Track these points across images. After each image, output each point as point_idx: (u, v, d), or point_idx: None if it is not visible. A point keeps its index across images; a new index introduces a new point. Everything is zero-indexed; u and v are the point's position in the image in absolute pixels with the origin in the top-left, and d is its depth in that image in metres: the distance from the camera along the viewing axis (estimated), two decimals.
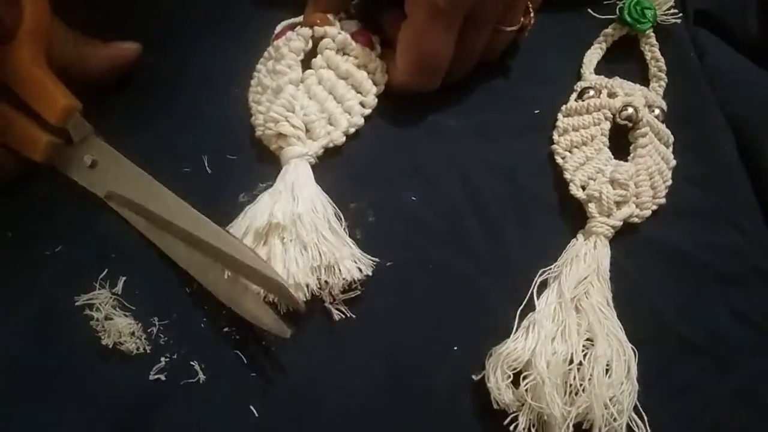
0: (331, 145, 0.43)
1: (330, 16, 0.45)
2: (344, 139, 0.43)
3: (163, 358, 0.38)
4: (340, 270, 0.38)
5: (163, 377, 0.37)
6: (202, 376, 0.37)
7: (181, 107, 0.45)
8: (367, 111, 0.44)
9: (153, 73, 0.46)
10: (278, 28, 0.46)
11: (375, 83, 0.45)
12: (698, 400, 0.39)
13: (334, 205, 0.40)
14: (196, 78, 0.46)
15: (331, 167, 0.43)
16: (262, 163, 0.43)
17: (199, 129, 0.44)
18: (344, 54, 0.45)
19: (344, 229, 0.40)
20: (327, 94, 0.44)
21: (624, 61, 0.47)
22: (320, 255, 0.38)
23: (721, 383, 0.39)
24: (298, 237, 0.38)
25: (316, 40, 0.44)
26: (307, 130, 0.42)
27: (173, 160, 0.42)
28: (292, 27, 0.45)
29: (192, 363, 0.38)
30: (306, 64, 0.44)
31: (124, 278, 0.39)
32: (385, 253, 0.40)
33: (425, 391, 0.38)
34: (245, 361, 0.38)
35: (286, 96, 0.42)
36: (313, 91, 0.43)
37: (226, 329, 0.38)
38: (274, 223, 0.38)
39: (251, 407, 0.37)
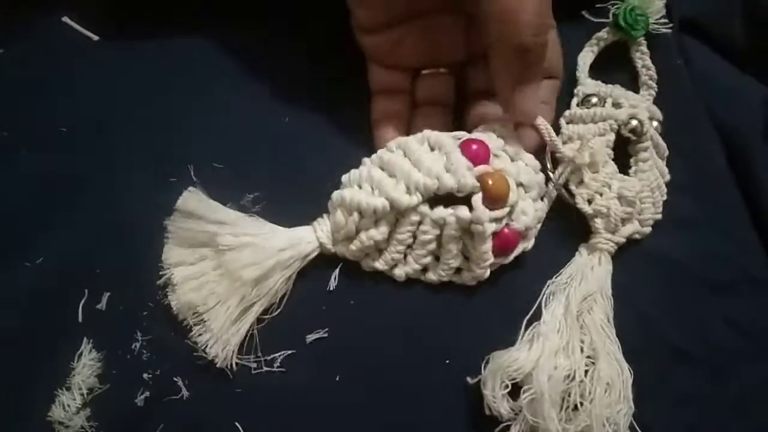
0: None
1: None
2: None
3: (145, 375, 0.37)
4: None
5: (147, 394, 0.36)
6: (185, 393, 0.36)
7: (168, 114, 0.44)
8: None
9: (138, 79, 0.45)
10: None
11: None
12: (695, 411, 0.39)
13: None
14: (183, 84, 0.45)
15: None
16: (250, 172, 0.42)
17: (186, 136, 0.43)
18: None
19: None
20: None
21: (613, 68, 0.46)
22: None
23: (717, 393, 0.39)
24: None
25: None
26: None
27: (161, 169, 0.41)
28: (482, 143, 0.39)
29: (175, 379, 0.37)
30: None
31: (108, 294, 0.38)
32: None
33: (417, 405, 0.37)
34: (230, 377, 0.37)
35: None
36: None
37: None
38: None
39: (237, 424, 0.36)
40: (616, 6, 0.45)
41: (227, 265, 0.37)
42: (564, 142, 0.42)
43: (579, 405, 0.35)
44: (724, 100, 0.47)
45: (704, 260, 0.42)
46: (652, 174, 0.41)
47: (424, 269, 0.39)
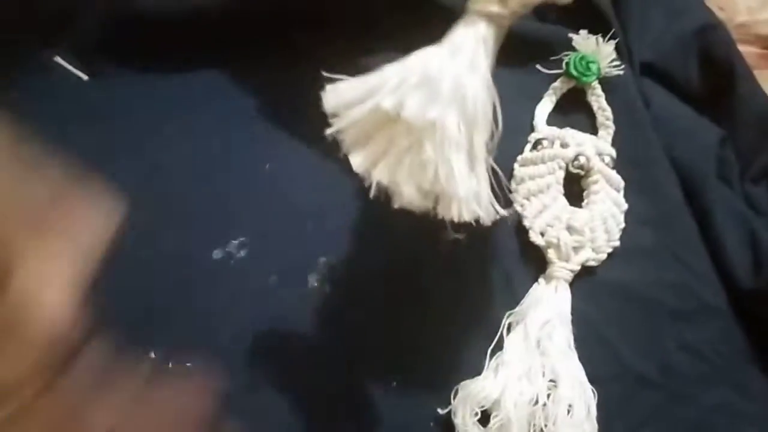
0: None
1: None
2: None
3: None
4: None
5: None
6: None
7: (158, 158, 0.45)
8: None
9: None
10: None
11: None
12: None
13: None
14: (173, 127, 0.47)
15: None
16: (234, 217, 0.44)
17: (173, 181, 0.45)
18: None
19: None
20: None
21: (574, 111, 0.49)
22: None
23: (678, 417, 0.41)
24: None
25: None
26: None
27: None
28: None
29: None
30: None
31: None
32: (352, 301, 0.42)
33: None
34: None
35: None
36: None
37: None
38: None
39: None
40: (567, 55, 0.48)
41: (413, 124, 0.30)
42: (518, 184, 0.45)
43: (544, 427, 0.37)
44: (681, 139, 0.49)
45: (662, 289, 0.44)
46: (603, 205, 0.44)
47: None
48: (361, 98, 0.31)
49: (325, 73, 0.32)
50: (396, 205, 0.31)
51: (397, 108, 0.30)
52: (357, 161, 0.31)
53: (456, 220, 0.30)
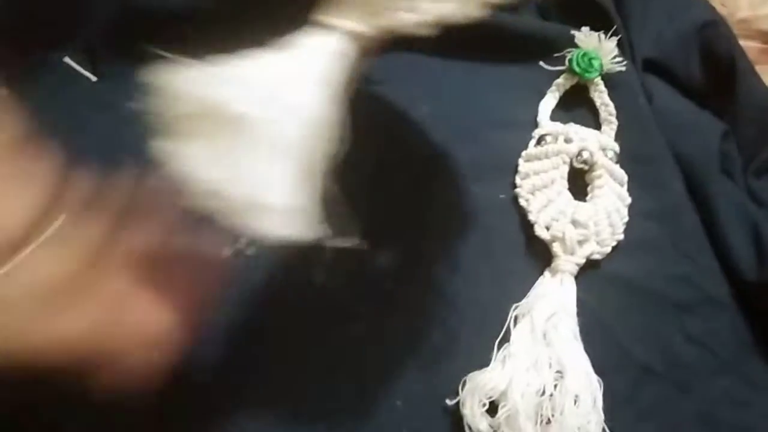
0: None
1: None
2: None
3: None
4: None
5: None
6: None
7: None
8: None
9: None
10: None
11: None
12: (662, 424, 0.41)
13: None
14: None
15: None
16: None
17: None
18: None
19: None
20: None
21: (577, 107, 0.50)
22: None
23: (682, 406, 0.41)
24: None
25: None
26: None
27: None
28: None
29: None
30: None
31: None
32: (355, 297, 0.42)
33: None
34: None
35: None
36: None
37: None
38: None
39: None
40: (570, 52, 0.49)
41: (241, 124, 0.29)
42: (522, 179, 0.45)
43: (551, 417, 0.38)
44: (684, 133, 0.50)
45: (666, 281, 0.44)
46: (607, 199, 0.45)
47: None
48: (197, 88, 0.30)
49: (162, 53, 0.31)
50: (210, 206, 0.29)
51: (226, 105, 0.29)
52: (173, 150, 0.30)
53: (269, 232, 0.29)
